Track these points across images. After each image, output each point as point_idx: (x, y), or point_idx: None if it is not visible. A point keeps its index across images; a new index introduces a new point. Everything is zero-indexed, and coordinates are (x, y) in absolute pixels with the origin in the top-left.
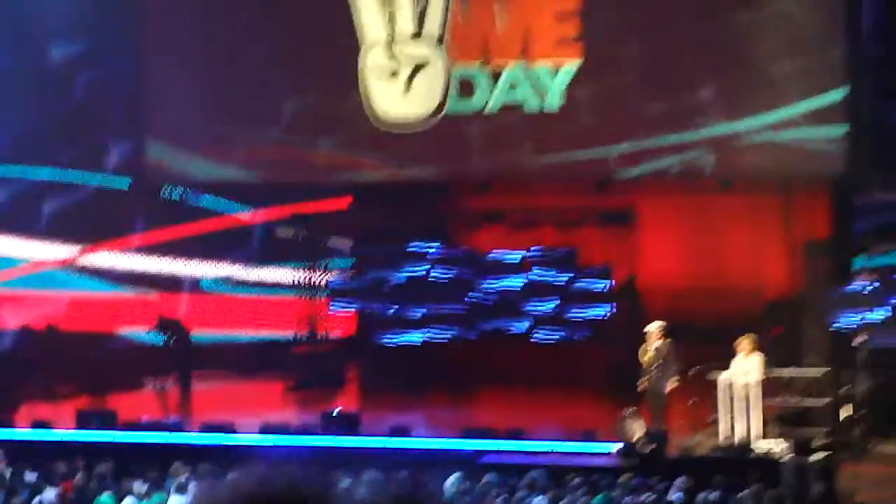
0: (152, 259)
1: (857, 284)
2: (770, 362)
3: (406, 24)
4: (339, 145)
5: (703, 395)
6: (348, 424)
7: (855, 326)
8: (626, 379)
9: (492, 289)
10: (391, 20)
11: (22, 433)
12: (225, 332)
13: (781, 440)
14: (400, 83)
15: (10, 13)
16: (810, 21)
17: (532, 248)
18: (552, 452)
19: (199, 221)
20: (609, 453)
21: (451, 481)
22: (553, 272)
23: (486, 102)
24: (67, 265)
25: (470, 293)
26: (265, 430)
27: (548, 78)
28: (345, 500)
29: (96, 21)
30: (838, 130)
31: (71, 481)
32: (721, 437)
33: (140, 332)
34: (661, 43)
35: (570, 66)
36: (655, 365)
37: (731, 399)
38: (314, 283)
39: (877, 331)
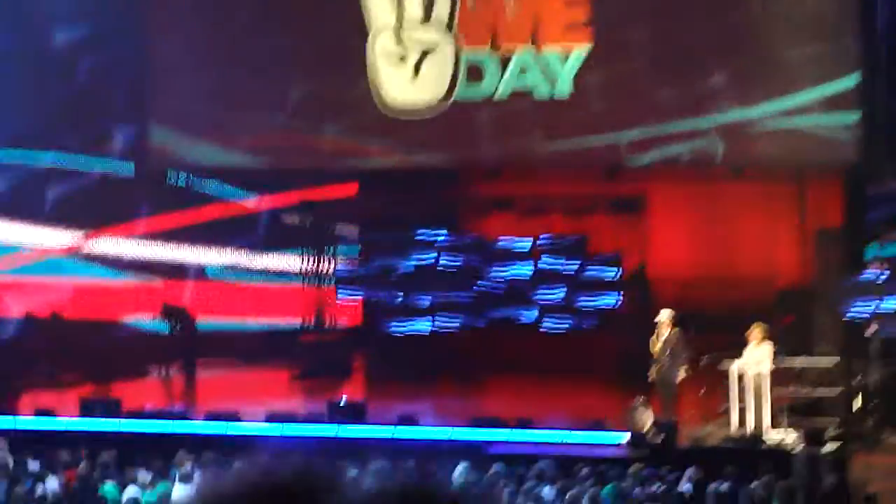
0: (157, 246)
1: (869, 273)
2: (781, 352)
3: (414, 9)
4: (345, 131)
5: (713, 384)
6: (355, 414)
7: (867, 316)
8: (636, 368)
9: (500, 277)
10: (399, 5)
11: (25, 421)
12: (230, 320)
13: (793, 431)
14: (408, 69)
15: None
16: (823, 7)
17: (541, 236)
18: (561, 442)
19: (204, 208)
20: (618, 443)
21: (459, 471)
22: (562, 260)
23: (496, 88)
24: (71, 252)
25: (478, 281)
26: (271, 419)
27: (557, 64)
28: (352, 490)
29: (100, 5)
30: (851, 118)
31: (74, 470)
32: (732, 428)
33: (145, 319)
34: (672, 28)
35: (580, 51)
36: (666, 354)
37: (743, 389)
38: (321, 270)
39: (889, 320)
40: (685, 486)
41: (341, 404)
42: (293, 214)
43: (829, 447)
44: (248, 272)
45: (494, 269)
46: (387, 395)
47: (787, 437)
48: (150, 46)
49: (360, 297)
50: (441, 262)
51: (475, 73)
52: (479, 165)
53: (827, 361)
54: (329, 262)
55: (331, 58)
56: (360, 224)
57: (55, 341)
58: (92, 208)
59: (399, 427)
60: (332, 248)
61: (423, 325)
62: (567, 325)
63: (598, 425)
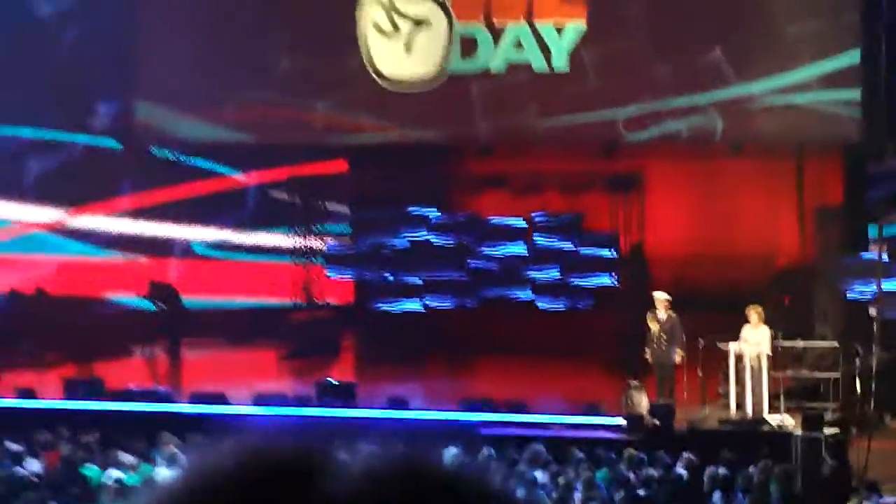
0: (142, 222)
1: (870, 253)
2: (780, 333)
3: None
4: (336, 106)
5: (711, 366)
6: (344, 395)
7: (868, 297)
8: (631, 349)
9: (493, 255)
10: None
11: (5, 402)
12: (217, 299)
13: (791, 414)
14: (401, 42)
15: None
16: None
17: (536, 214)
18: (554, 425)
19: (191, 183)
20: (613, 426)
21: (449, 456)
22: (557, 239)
23: (490, 63)
24: (55, 228)
25: (471, 260)
26: (258, 400)
27: (552, 38)
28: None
29: None
30: (852, 94)
31: (56, 452)
32: (730, 411)
33: (129, 297)
34: (670, 2)
35: (575, 25)
36: (662, 335)
37: (741, 371)
38: (310, 248)
39: (891, 301)
40: (681, 471)
41: (330, 385)
42: (282, 191)
43: (829, 431)
44: (236, 249)
45: (487, 247)
46: (377, 376)
47: (785, 420)
48: (136, 19)
49: (350, 276)
50: (433, 240)
51: (469, 47)
52: (472, 141)
53: (827, 343)
54: (319, 240)
55: (321, 30)
56: (351, 201)
57: (37, 319)
58: (76, 184)
59: (389, 409)
60: (321, 225)
61: (414, 305)
62: (562, 305)
63: (592, 408)
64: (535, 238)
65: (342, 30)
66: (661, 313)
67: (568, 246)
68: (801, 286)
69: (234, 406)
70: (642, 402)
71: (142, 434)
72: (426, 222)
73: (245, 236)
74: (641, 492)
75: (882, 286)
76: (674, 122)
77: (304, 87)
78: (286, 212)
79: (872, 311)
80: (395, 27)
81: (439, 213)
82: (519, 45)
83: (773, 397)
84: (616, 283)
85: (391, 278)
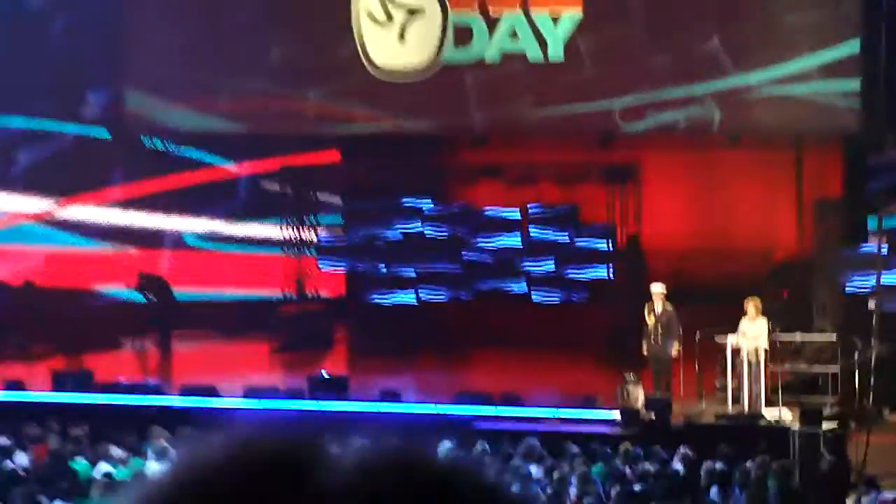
0: (133, 213)
1: (870, 245)
2: (778, 327)
3: None
4: (329, 95)
5: (708, 360)
6: (336, 388)
7: (867, 289)
8: (627, 343)
9: (488, 247)
10: None
11: None
12: (208, 291)
13: (790, 409)
14: (394, 31)
15: None
16: None
17: (531, 205)
18: (549, 419)
19: (182, 174)
20: (609, 421)
21: (443, 451)
22: (552, 230)
23: (485, 52)
24: (44, 219)
25: (465, 252)
26: (249, 393)
27: (548, 27)
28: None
29: None
30: (852, 85)
31: (44, 445)
32: (727, 405)
33: (119, 289)
34: None
35: (571, 14)
36: (658, 328)
37: (738, 365)
38: (302, 239)
39: (890, 294)
40: (678, 466)
41: (322, 378)
42: (274, 181)
43: (827, 426)
44: (227, 241)
45: (481, 239)
46: (369, 369)
47: (783, 415)
48: (126, 7)
49: (342, 268)
50: (427, 231)
51: (463, 36)
52: (466, 132)
53: (825, 337)
54: (311, 231)
55: (314, 19)
56: (344, 192)
57: (26, 311)
58: (65, 174)
59: (382, 403)
60: (313, 216)
61: (407, 297)
62: (557, 298)
63: (587, 402)
64: (529, 230)
65: (335, 19)
66: (658, 306)
67: (563, 238)
68: (800, 279)
69: (225, 399)
70: (638, 395)
71: (132, 427)
72: (420, 213)
73: (236, 227)
74: (637, 487)
75: (881, 279)
76: (671, 113)
77: (296, 76)
78: (278, 203)
79: (872, 305)
80: (389, 16)
81: (433, 205)
82: (514, 34)
83: (771, 391)
84: (612, 275)
85: (384, 270)
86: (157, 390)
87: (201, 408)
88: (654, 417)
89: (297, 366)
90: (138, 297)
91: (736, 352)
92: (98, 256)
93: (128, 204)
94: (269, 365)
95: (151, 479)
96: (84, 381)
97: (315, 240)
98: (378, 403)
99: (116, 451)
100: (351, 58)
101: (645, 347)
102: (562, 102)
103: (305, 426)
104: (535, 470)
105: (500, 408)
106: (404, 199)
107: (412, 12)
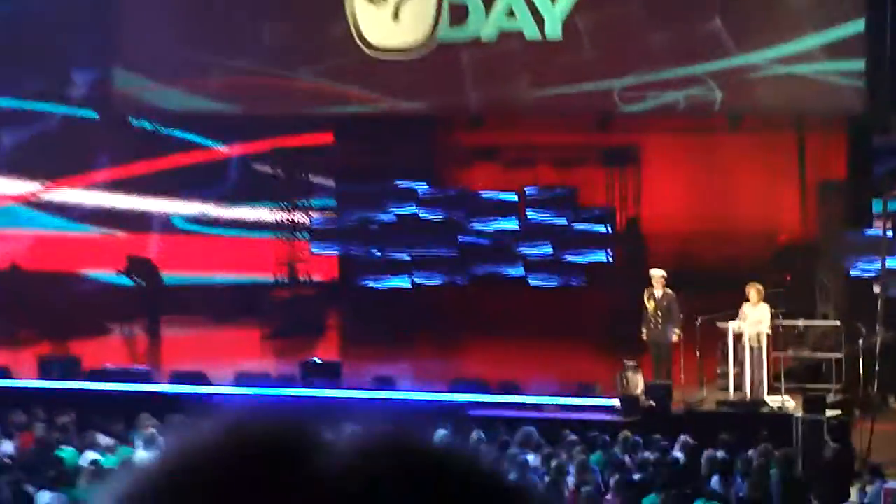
0: (121, 195)
1: (874, 229)
2: (781, 312)
3: None
4: (321, 75)
5: (709, 346)
6: (328, 375)
7: (872, 274)
8: (627, 328)
9: (484, 231)
10: None
11: None
12: (198, 275)
13: (792, 396)
14: (388, 9)
15: None
16: None
17: (528, 188)
18: (547, 406)
19: (172, 155)
20: (608, 408)
21: (438, 438)
22: (550, 214)
23: (481, 31)
24: (30, 201)
25: (460, 235)
26: (240, 380)
27: (545, 5)
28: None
29: None
30: (857, 65)
31: (30, 433)
32: (728, 392)
33: (107, 273)
34: None
35: None
36: (659, 314)
37: (740, 351)
38: (294, 222)
39: (895, 279)
40: (678, 454)
41: (314, 365)
42: (265, 163)
43: (831, 413)
44: (217, 224)
45: (478, 222)
46: (363, 355)
47: (786, 402)
48: None
49: (335, 251)
50: (421, 214)
51: (459, 14)
52: (462, 112)
53: (829, 322)
54: (303, 214)
55: None
56: (337, 174)
57: (11, 296)
58: (52, 155)
59: (375, 390)
60: (306, 198)
61: (401, 282)
62: (555, 283)
63: (586, 389)
64: (527, 213)
65: None
66: (658, 291)
67: (561, 221)
68: (803, 263)
69: (215, 386)
70: (638, 382)
71: (120, 415)
72: (414, 196)
73: (227, 210)
74: (637, 475)
75: (886, 263)
76: (671, 94)
77: (288, 55)
78: (269, 185)
79: (876, 289)
80: None
81: (428, 187)
82: (511, 12)
83: (774, 378)
84: (611, 259)
85: (378, 254)
86: (145, 377)
87: (191, 395)
88: (653, 405)
89: (289, 352)
90: (126, 282)
91: (738, 338)
92: (85, 240)
93: (116, 186)
94: (260, 351)
95: (142, 466)
96: (71, 368)
97: (307, 223)
98: (371, 390)
99: (104, 439)
100: (344, 36)
101: (645, 333)
102: (560, 82)
103: (298, 412)
104: (532, 458)
105: (496, 395)
106: (398, 182)
107: None
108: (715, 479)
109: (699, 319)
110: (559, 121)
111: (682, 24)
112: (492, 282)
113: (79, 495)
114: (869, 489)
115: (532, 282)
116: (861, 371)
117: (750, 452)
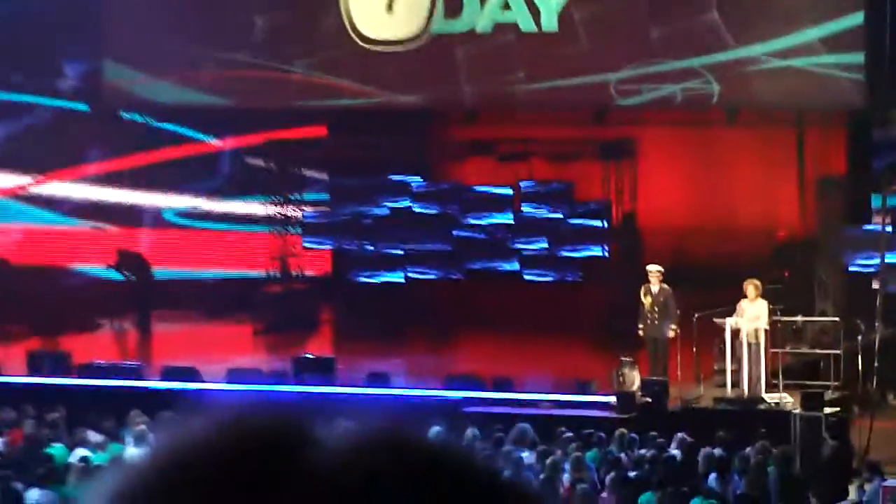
0: (111, 189)
1: (874, 224)
2: (779, 308)
3: None
4: (315, 67)
5: (706, 342)
6: (321, 371)
7: (871, 270)
8: (623, 325)
9: (479, 225)
10: None
11: None
12: (189, 270)
13: (791, 392)
14: (382, 0)
15: None
16: None
17: (523, 182)
18: (542, 403)
19: (162, 149)
20: (604, 405)
21: (432, 435)
22: (546, 208)
23: (476, 22)
24: (19, 195)
25: (455, 230)
26: (232, 376)
27: None
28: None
29: None
30: (856, 58)
31: (19, 430)
32: (726, 389)
33: (97, 268)
34: None
35: None
36: (655, 310)
37: (737, 348)
38: (287, 216)
39: (894, 274)
40: (675, 452)
41: (307, 361)
42: (258, 157)
43: (829, 410)
44: (209, 218)
45: (472, 217)
46: (356, 351)
47: (784, 399)
48: None
49: (328, 246)
50: (415, 208)
51: (453, 6)
52: (456, 106)
53: (827, 318)
54: (296, 208)
55: None
56: (330, 167)
57: (0, 290)
58: (42, 149)
59: (369, 386)
60: (298, 192)
61: (395, 276)
62: (550, 278)
63: (582, 385)
64: (522, 207)
65: None
66: (655, 286)
67: (557, 216)
68: (802, 259)
69: (206, 382)
70: (634, 379)
71: (110, 411)
72: (408, 190)
73: (219, 204)
74: (633, 473)
75: (886, 259)
76: (668, 87)
77: (281, 48)
78: (262, 179)
79: (875, 285)
80: None
81: (422, 181)
82: (506, 4)
83: (772, 375)
84: (607, 254)
85: (371, 249)
86: (136, 373)
87: (182, 391)
88: (650, 402)
89: (282, 347)
90: (117, 276)
91: (735, 334)
92: (75, 234)
93: (106, 180)
94: (252, 346)
95: (134, 463)
96: (60, 364)
97: (300, 217)
98: (365, 387)
99: (94, 436)
100: (337, 28)
101: (641, 329)
102: (555, 75)
103: (291, 408)
104: (527, 456)
105: (491, 391)
106: (392, 175)
107: None
108: (712, 477)
109: (696, 315)
110: (555, 114)
111: (679, 16)
112: (486, 277)
113: (68, 493)
114: (868, 487)
115: (527, 277)
116: (860, 368)
117: (747, 450)
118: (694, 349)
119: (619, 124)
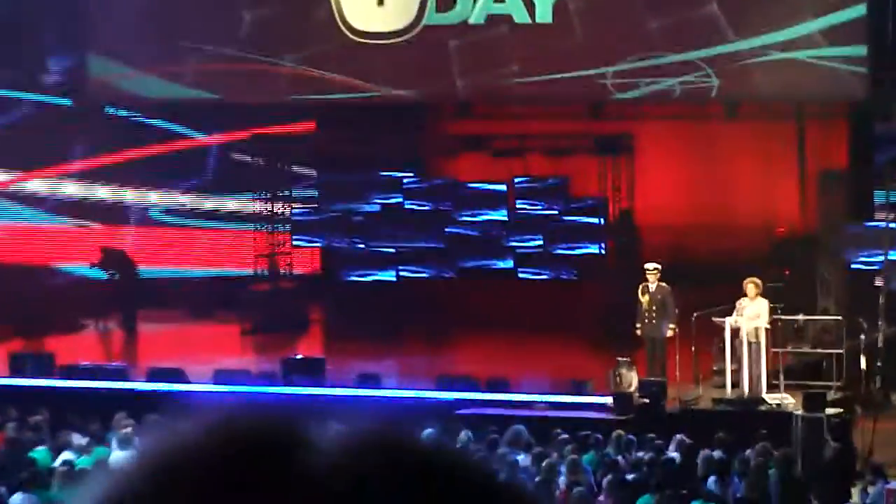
0: (96, 186)
1: (876, 220)
2: (780, 307)
3: None
4: (304, 61)
5: (705, 342)
6: (311, 372)
7: (874, 267)
8: (620, 324)
9: (472, 222)
10: None
11: None
12: (175, 268)
13: (792, 393)
14: None
15: None
16: None
17: (517, 178)
18: (537, 404)
19: (148, 145)
20: (600, 406)
21: (425, 437)
22: (541, 205)
23: (469, 14)
24: (1, 192)
25: (448, 227)
26: (219, 377)
27: None
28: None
29: None
30: (858, 50)
31: (2, 433)
32: (725, 390)
33: (81, 266)
34: None
35: None
36: (653, 309)
37: (737, 347)
38: (275, 214)
39: None
40: (673, 454)
41: (297, 361)
42: (245, 153)
43: (832, 411)
44: (196, 216)
45: (466, 213)
46: (347, 351)
47: (785, 400)
48: None
49: (317, 244)
50: (407, 205)
51: None
52: (449, 100)
53: (829, 317)
54: (284, 205)
55: None
56: (319, 163)
57: None
58: (24, 145)
59: (359, 387)
60: (287, 189)
61: (387, 275)
62: (545, 276)
63: (578, 386)
64: (516, 204)
65: None
66: (652, 285)
67: (552, 212)
68: (803, 256)
69: (193, 384)
70: (632, 380)
71: (95, 413)
72: (400, 186)
73: (205, 201)
74: (630, 476)
75: (889, 255)
76: (666, 80)
77: (269, 41)
78: (249, 175)
79: (879, 283)
80: None
81: (414, 177)
82: None
83: (772, 375)
84: (603, 252)
85: (362, 246)
86: (121, 374)
87: (169, 392)
88: (648, 403)
89: (270, 348)
90: (101, 275)
91: (735, 333)
92: (58, 232)
93: (91, 176)
94: (240, 347)
95: (121, 467)
96: (44, 365)
97: (289, 214)
98: (356, 388)
99: (79, 439)
100: (327, 21)
101: (638, 328)
102: (551, 68)
103: (281, 410)
104: (522, 458)
105: (485, 392)
106: (383, 171)
107: None
108: (711, 480)
109: (695, 314)
110: (550, 108)
111: (677, 7)
112: (480, 275)
113: (52, 497)
114: (871, 490)
115: (522, 275)
116: (863, 367)
117: (748, 452)
118: (693, 349)
119: (615, 119)
